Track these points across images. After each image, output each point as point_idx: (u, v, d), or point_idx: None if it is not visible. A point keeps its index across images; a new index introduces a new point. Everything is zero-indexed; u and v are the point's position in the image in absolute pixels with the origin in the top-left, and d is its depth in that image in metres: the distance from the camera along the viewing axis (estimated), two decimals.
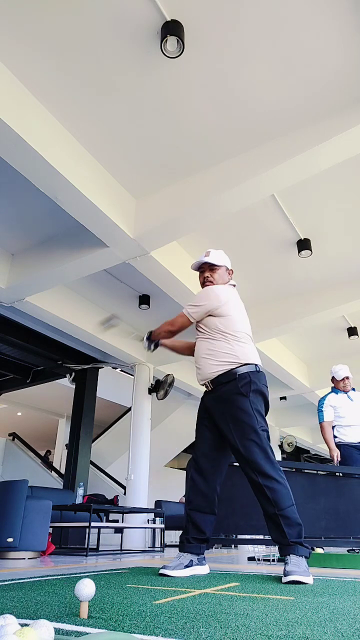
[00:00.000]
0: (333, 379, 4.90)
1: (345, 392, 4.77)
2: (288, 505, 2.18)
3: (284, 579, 2.00)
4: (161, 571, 2.22)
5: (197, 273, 2.76)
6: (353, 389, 4.85)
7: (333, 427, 4.72)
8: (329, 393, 4.87)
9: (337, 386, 4.83)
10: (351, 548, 4.48)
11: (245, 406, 2.29)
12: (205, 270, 2.63)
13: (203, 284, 2.63)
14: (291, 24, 2.96)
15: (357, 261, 5.57)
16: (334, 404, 4.74)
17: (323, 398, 4.84)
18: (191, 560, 2.31)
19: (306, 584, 1.94)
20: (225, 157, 4.02)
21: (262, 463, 2.21)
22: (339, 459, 4.56)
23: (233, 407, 2.31)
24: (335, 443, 4.68)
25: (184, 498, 4.69)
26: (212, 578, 2.17)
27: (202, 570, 2.36)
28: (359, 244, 5.25)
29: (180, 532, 5.43)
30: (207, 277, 2.60)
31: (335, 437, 4.70)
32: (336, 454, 4.56)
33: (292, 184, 3.95)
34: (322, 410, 4.74)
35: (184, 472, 3.38)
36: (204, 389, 2.53)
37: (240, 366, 2.37)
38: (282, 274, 5.80)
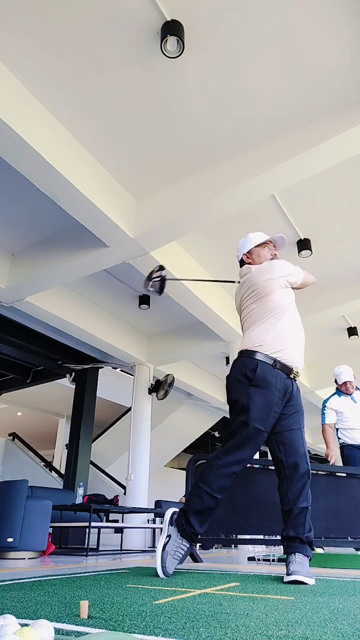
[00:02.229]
0: (336, 381, 4.91)
1: (349, 394, 4.78)
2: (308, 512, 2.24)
3: (287, 578, 1.99)
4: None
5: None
6: (358, 389, 4.85)
7: (337, 429, 4.77)
8: (332, 395, 4.89)
9: (340, 388, 4.85)
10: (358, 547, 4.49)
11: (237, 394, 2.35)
12: (276, 248, 2.69)
13: (270, 259, 2.64)
14: (291, 24, 2.96)
15: (357, 261, 5.57)
16: (336, 407, 4.76)
17: (326, 400, 4.87)
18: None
19: (307, 584, 1.94)
20: (225, 157, 4.02)
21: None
22: (334, 460, 4.60)
23: (300, 398, 2.40)
24: (340, 444, 4.73)
25: (184, 498, 4.68)
26: (212, 578, 2.17)
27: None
28: (359, 244, 5.25)
29: None
30: (275, 254, 2.66)
31: (339, 438, 4.75)
32: (333, 454, 4.58)
33: (292, 184, 3.95)
34: (324, 413, 4.79)
35: (184, 472, 3.38)
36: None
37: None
38: None
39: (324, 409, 4.80)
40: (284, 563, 2.15)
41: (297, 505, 2.21)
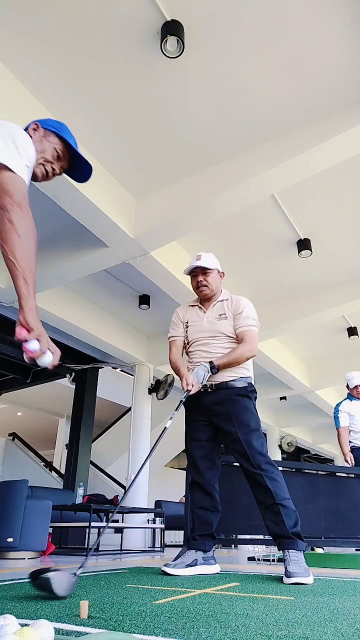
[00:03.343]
0: (347, 386, 5.00)
1: (359, 398, 4.87)
2: (286, 497, 2.26)
3: (287, 580, 2.00)
4: (163, 568, 2.25)
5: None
6: None
7: (350, 432, 4.87)
8: (344, 399, 5.02)
9: (352, 393, 4.96)
10: (358, 548, 4.51)
11: (249, 407, 2.45)
12: (198, 274, 2.63)
13: (197, 288, 2.65)
14: (291, 24, 2.96)
15: (357, 261, 5.57)
16: (347, 410, 4.88)
17: (338, 404, 5.00)
18: (195, 560, 2.32)
19: (307, 584, 1.94)
20: (225, 157, 4.02)
21: (262, 455, 2.32)
22: (352, 463, 4.68)
23: (238, 407, 2.42)
24: (350, 447, 4.81)
25: (184, 498, 4.69)
26: (212, 578, 2.17)
27: (210, 569, 2.37)
28: (359, 244, 5.25)
29: (181, 531, 5.42)
30: (201, 281, 2.60)
31: (350, 442, 4.84)
32: (349, 458, 4.67)
33: (292, 184, 3.95)
34: (337, 417, 4.92)
35: (184, 472, 3.39)
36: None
37: (250, 376, 2.55)
38: (282, 274, 5.80)
39: (337, 413, 4.93)
40: (284, 562, 2.16)
41: (263, 504, 2.27)
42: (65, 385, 8.70)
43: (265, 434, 11.41)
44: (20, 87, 3.36)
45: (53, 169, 1.55)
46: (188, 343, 2.67)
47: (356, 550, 4.52)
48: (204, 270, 2.62)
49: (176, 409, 2.40)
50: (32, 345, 1.20)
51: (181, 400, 2.43)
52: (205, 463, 2.50)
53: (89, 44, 3.10)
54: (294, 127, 3.70)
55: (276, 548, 2.33)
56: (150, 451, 2.25)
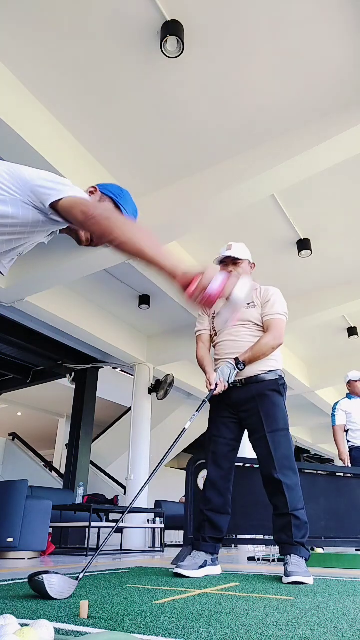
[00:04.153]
0: (347, 384, 4.99)
1: (359, 395, 4.87)
2: (300, 507, 2.22)
3: (286, 580, 2.00)
4: (176, 570, 2.20)
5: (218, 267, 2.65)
6: None
7: (347, 431, 4.86)
8: (343, 398, 5.02)
9: (348, 389, 4.97)
10: (358, 548, 4.51)
11: (280, 403, 2.38)
12: (229, 264, 2.54)
13: None
14: (291, 24, 2.96)
15: (357, 261, 5.57)
16: (345, 409, 4.88)
17: (336, 403, 5.00)
18: (205, 561, 2.29)
19: (307, 584, 1.94)
20: (225, 157, 4.02)
21: (287, 460, 2.26)
22: (348, 462, 4.67)
23: (268, 403, 2.35)
24: (349, 447, 4.82)
25: (184, 498, 4.69)
26: (212, 578, 2.17)
27: (215, 570, 2.36)
28: (359, 244, 5.25)
29: (181, 531, 5.42)
30: (232, 271, 2.52)
31: (348, 441, 4.84)
32: (345, 457, 4.66)
33: (292, 184, 3.95)
34: (334, 415, 4.91)
35: (184, 472, 3.38)
36: (202, 389, 2.53)
37: (279, 368, 2.48)
38: (282, 274, 5.79)
39: (334, 411, 4.93)
40: (284, 563, 2.16)
41: (277, 510, 2.24)
42: (65, 385, 8.70)
43: None
44: (20, 87, 3.36)
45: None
46: (216, 335, 2.58)
47: (356, 550, 4.53)
48: (234, 261, 2.54)
49: (197, 410, 2.30)
50: (216, 282, 1.02)
51: (204, 400, 2.32)
52: (226, 462, 2.41)
53: (89, 44, 3.10)
54: (293, 127, 3.70)
55: (276, 548, 2.33)
56: (168, 452, 2.16)
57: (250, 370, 2.38)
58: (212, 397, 2.42)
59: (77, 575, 1.52)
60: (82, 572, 1.47)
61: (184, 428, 2.24)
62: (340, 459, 4.70)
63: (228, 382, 2.30)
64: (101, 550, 4.94)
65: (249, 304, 2.50)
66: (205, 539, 2.35)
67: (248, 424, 2.40)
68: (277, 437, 2.29)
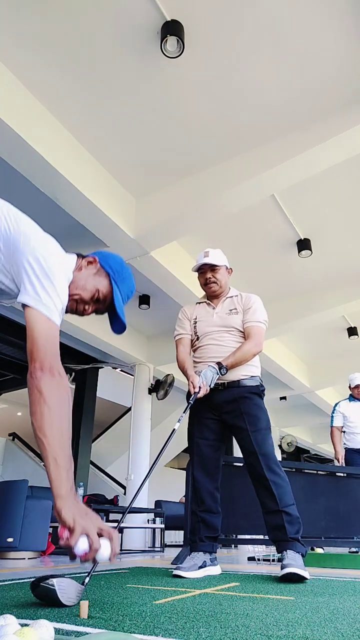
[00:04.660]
0: (350, 386, 5.01)
1: (359, 399, 4.89)
2: (290, 503, 2.23)
3: (282, 572, 2.01)
4: (175, 572, 2.20)
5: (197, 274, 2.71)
6: None
7: (344, 432, 4.92)
8: (344, 399, 5.06)
9: (352, 392, 4.98)
10: (354, 550, 4.51)
11: (261, 404, 2.44)
12: (207, 271, 2.58)
13: (205, 285, 2.60)
14: (291, 24, 2.96)
15: (357, 261, 5.57)
16: (343, 411, 4.92)
17: (336, 404, 5.04)
18: (204, 561, 2.31)
19: (304, 577, 1.95)
20: (225, 157, 4.02)
21: (270, 457, 2.30)
22: (342, 462, 4.71)
23: (250, 404, 2.40)
24: (344, 448, 4.88)
25: (184, 498, 4.69)
26: (212, 578, 2.17)
27: (215, 570, 2.37)
28: (359, 244, 5.25)
29: (181, 531, 5.41)
30: (210, 277, 2.56)
31: (344, 442, 4.90)
32: (340, 457, 4.71)
33: (292, 184, 3.95)
34: (332, 416, 4.98)
35: (184, 472, 3.38)
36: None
37: (259, 375, 2.53)
38: (282, 274, 5.79)
39: (333, 412, 4.99)
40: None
41: (266, 508, 2.26)
42: None
43: None
44: (20, 87, 3.36)
45: (85, 309, 1.41)
46: (197, 339, 2.61)
47: (349, 552, 4.52)
48: (212, 267, 2.57)
49: (184, 412, 2.35)
50: (81, 546, 1.01)
51: (189, 403, 2.36)
52: (212, 463, 2.46)
53: (89, 45, 3.10)
54: (294, 127, 3.70)
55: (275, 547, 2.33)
56: (159, 455, 2.19)
57: (233, 375, 2.44)
58: (189, 393, 2.46)
59: (82, 578, 1.51)
60: (87, 575, 1.44)
61: (174, 429, 2.29)
62: (335, 459, 4.74)
63: (210, 385, 2.35)
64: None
65: (231, 310, 2.56)
66: (202, 539, 2.38)
67: (231, 424, 2.45)
68: (261, 436, 2.34)
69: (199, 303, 2.69)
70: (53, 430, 1.06)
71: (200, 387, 2.34)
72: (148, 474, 2.17)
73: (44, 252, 1.20)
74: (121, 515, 6.37)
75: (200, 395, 2.34)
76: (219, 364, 2.36)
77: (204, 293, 2.69)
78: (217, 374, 2.34)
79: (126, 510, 2.03)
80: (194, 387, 2.36)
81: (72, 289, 1.34)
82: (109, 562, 1.06)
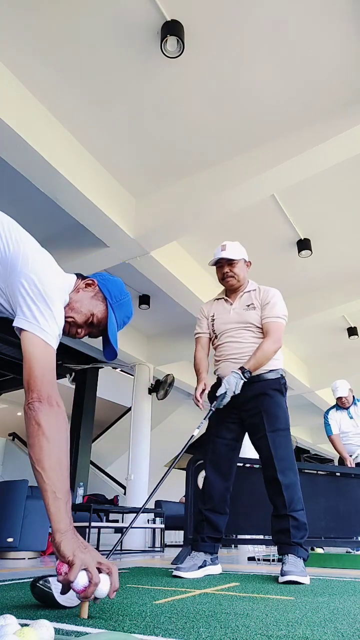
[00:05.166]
0: (337, 399, 4.95)
1: (344, 408, 4.84)
2: (299, 509, 2.21)
3: (281, 579, 2.00)
4: (175, 572, 2.19)
5: (214, 269, 2.63)
6: (356, 402, 4.87)
7: None
8: (332, 407, 4.99)
9: (337, 402, 4.92)
10: (349, 550, 4.50)
11: (282, 403, 2.38)
12: (224, 265, 2.51)
13: (223, 279, 2.54)
14: (291, 24, 2.96)
15: (357, 261, 5.57)
16: (336, 418, 4.90)
17: (327, 412, 4.98)
18: (204, 561, 2.29)
19: (303, 584, 1.94)
20: (225, 157, 4.02)
21: (286, 460, 2.26)
22: (353, 465, 4.68)
23: (270, 402, 2.35)
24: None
25: (184, 498, 4.69)
26: (212, 578, 2.17)
27: (215, 570, 2.36)
28: (359, 244, 5.25)
29: (181, 531, 5.41)
30: (227, 272, 2.50)
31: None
32: (349, 462, 4.71)
33: (292, 184, 3.95)
34: (328, 424, 4.90)
35: (184, 472, 3.38)
36: None
37: (281, 367, 2.48)
38: (282, 274, 5.79)
39: (327, 420, 4.92)
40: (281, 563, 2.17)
41: (276, 510, 2.24)
42: (65, 385, 8.70)
43: None
44: (20, 87, 3.36)
45: (77, 332, 1.37)
46: (215, 337, 2.57)
47: (347, 552, 4.51)
48: (229, 262, 2.50)
49: (204, 418, 2.29)
50: (80, 581, 0.98)
51: (211, 410, 2.30)
52: (225, 463, 2.41)
53: (89, 44, 3.10)
54: (294, 127, 3.70)
55: (276, 548, 2.32)
56: (175, 460, 2.18)
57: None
58: (212, 397, 2.43)
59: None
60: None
61: (192, 435, 2.25)
62: (347, 465, 4.69)
63: (235, 391, 2.28)
64: (99, 549, 4.93)
65: (248, 305, 2.49)
66: (204, 539, 2.35)
67: (249, 423, 2.40)
68: (278, 437, 2.29)
69: (218, 299, 2.64)
70: (52, 462, 1.04)
71: (225, 393, 2.26)
72: (163, 477, 2.16)
73: (41, 275, 1.17)
74: (121, 515, 6.38)
75: (225, 402, 2.29)
76: (241, 368, 2.30)
77: (223, 288, 2.63)
78: (242, 378, 2.27)
79: (140, 510, 2.02)
80: (198, 390, 2.35)
81: (67, 311, 1.31)
82: (108, 598, 1.05)
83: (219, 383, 2.46)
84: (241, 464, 3.14)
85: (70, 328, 1.34)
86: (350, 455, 4.73)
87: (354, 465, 4.68)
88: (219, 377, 2.50)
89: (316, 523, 3.54)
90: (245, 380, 2.29)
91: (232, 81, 3.35)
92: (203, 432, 2.51)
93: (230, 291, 2.57)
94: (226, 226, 4.89)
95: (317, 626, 1.04)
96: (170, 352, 7.35)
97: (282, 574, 2.01)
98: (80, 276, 1.43)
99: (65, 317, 1.29)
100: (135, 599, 1.43)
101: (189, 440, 2.23)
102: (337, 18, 2.92)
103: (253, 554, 3.91)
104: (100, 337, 1.44)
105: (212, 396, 2.42)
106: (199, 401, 2.40)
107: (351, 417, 4.83)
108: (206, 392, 2.40)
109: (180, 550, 3.13)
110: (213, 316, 2.60)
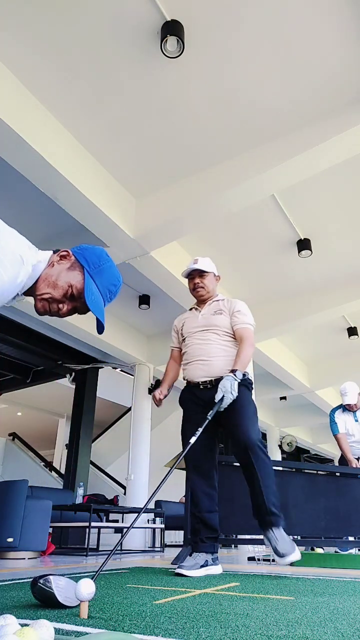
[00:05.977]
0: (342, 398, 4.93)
1: (352, 411, 4.84)
2: (269, 484, 2.34)
3: (281, 561, 2.16)
4: (177, 571, 2.25)
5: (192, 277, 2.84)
6: None
7: None
8: (339, 407, 4.95)
9: (347, 407, 4.87)
10: (337, 550, 4.46)
11: (248, 395, 2.52)
12: (195, 276, 2.74)
13: (193, 290, 2.75)
14: (291, 24, 2.96)
15: (357, 261, 5.57)
16: (340, 418, 4.86)
17: (333, 411, 4.95)
18: (206, 561, 2.37)
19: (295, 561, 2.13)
20: (225, 157, 4.02)
21: (259, 442, 2.38)
22: (357, 465, 4.66)
23: (239, 397, 2.45)
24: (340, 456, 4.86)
25: (184, 498, 4.69)
26: (212, 578, 2.17)
27: (216, 570, 2.42)
28: (359, 244, 5.25)
29: (181, 531, 5.41)
30: (198, 283, 2.73)
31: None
32: (355, 464, 4.67)
33: (292, 184, 3.95)
34: (335, 423, 4.86)
35: (184, 472, 3.38)
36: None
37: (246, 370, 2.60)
38: (282, 274, 5.79)
39: (333, 419, 4.88)
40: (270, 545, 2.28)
41: (252, 490, 2.35)
42: (65, 385, 8.70)
43: (265, 434, 11.41)
44: (20, 87, 3.36)
45: (59, 308, 1.28)
46: (183, 341, 2.74)
47: (335, 551, 4.50)
48: (200, 273, 2.74)
49: (202, 427, 2.36)
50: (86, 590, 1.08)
51: (207, 419, 2.37)
52: (206, 463, 2.52)
53: (89, 44, 3.10)
54: (294, 127, 3.70)
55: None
56: (172, 467, 2.21)
57: (217, 372, 2.52)
58: (186, 400, 2.63)
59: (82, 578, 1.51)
60: (93, 578, 1.41)
61: (189, 443, 2.31)
62: (352, 467, 4.65)
63: (232, 392, 2.38)
64: (99, 550, 4.92)
65: (216, 311, 2.68)
66: (202, 540, 2.43)
67: (221, 416, 2.49)
68: (248, 423, 2.41)
69: (189, 310, 2.85)
70: None
71: (222, 399, 2.36)
72: (164, 479, 2.17)
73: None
74: (121, 515, 6.37)
75: (225, 405, 2.37)
76: (232, 371, 2.44)
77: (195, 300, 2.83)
78: (235, 379, 2.39)
79: (141, 510, 2.03)
80: (155, 397, 2.67)
81: (42, 288, 1.25)
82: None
83: (187, 387, 2.66)
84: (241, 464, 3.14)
85: (50, 305, 1.27)
86: (358, 459, 4.72)
87: (359, 466, 4.65)
88: (188, 382, 2.66)
89: (316, 523, 3.54)
90: (239, 380, 2.41)
91: (232, 81, 3.35)
92: None
93: (200, 301, 2.78)
94: (226, 226, 4.89)
95: (317, 626, 1.04)
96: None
97: (278, 554, 2.19)
98: (56, 251, 1.34)
99: (42, 295, 1.25)
100: (135, 599, 1.43)
101: (186, 449, 2.30)
102: (337, 18, 2.92)
103: (253, 554, 3.91)
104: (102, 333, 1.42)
105: (181, 399, 2.69)
106: (157, 402, 2.71)
107: (357, 420, 4.81)
108: (164, 396, 2.72)
109: (180, 550, 3.13)
110: (182, 325, 2.78)
